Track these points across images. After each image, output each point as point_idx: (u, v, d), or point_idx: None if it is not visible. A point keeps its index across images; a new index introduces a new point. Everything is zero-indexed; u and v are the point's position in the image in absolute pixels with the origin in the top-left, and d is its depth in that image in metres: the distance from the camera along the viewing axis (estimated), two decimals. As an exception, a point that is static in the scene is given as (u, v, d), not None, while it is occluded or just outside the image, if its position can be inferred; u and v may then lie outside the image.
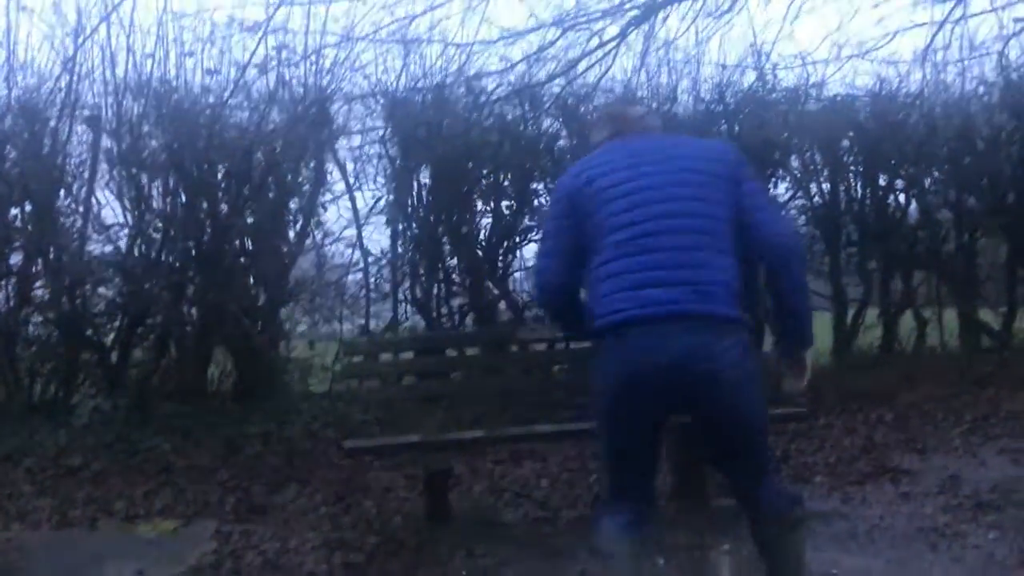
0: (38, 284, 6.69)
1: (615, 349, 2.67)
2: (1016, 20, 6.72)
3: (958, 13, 6.17)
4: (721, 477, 3.00)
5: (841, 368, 7.64)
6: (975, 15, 6.44)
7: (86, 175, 6.70)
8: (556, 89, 7.00)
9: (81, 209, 6.68)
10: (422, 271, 7.46)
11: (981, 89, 8.22)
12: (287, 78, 6.89)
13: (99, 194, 6.73)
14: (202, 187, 6.60)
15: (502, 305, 7.60)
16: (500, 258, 7.58)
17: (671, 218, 2.71)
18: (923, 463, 5.07)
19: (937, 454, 5.24)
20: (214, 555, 3.99)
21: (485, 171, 7.36)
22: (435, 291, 7.62)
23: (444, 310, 7.66)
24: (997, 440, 5.47)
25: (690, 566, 3.68)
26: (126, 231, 6.74)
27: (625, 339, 2.65)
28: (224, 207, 6.73)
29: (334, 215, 7.86)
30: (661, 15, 5.47)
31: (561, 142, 7.42)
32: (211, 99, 6.68)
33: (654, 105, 7.57)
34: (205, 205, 6.67)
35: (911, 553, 3.72)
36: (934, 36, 6.49)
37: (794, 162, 8.08)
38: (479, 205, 7.57)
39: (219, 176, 6.76)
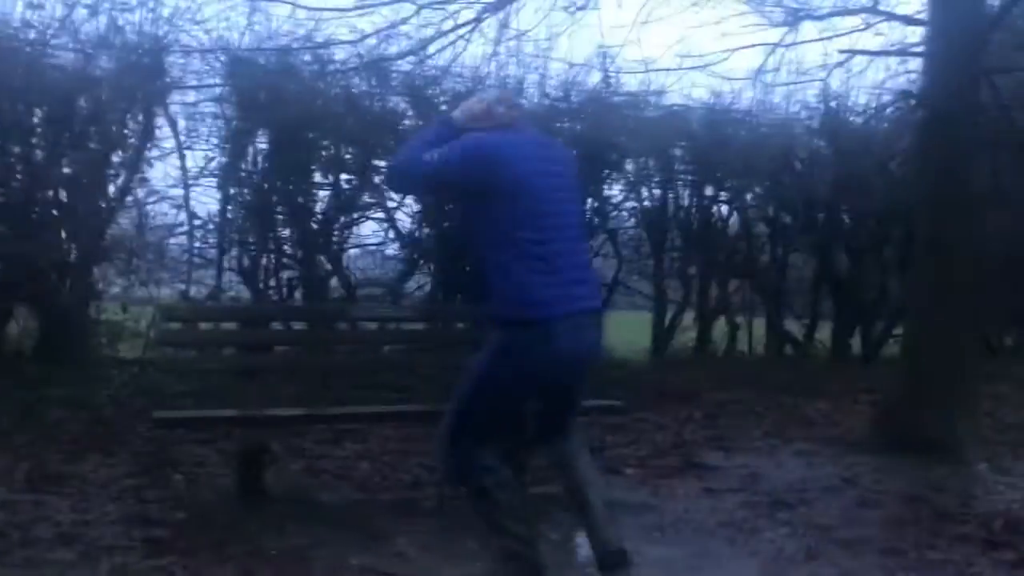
0: None
1: (542, 336, 3.00)
2: (840, 51, 7.20)
3: (789, 39, 6.53)
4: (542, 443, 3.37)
5: (657, 366, 7.98)
6: (804, 42, 6.85)
7: None
8: (406, 67, 6.90)
9: None
10: (252, 239, 7.21)
11: (803, 113, 8.77)
12: (120, 22, 6.48)
13: None
14: (16, 130, 6.11)
15: (333, 281, 7.46)
16: (336, 233, 7.44)
17: (578, 226, 3.21)
18: (727, 460, 5.35)
19: (740, 453, 5.55)
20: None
21: (327, 142, 7.19)
22: (264, 262, 7.39)
23: (272, 282, 7.45)
24: (793, 442, 5.85)
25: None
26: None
27: (554, 328, 3.00)
28: (39, 153, 6.27)
29: (161, 172, 7.48)
30: (516, 4, 5.50)
31: (407, 121, 7.34)
32: (32, 35, 6.18)
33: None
34: (17, 149, 6.18)
35: (711, 546, 3.91)
36: (767, 58, 6.87)
37: (628, 165, 8.33)
38: (318, 177, 7.39)
39: (36, 120, 6.28)
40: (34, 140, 6.28)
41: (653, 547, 3.85)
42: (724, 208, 8.85)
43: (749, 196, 8.90)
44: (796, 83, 8.13)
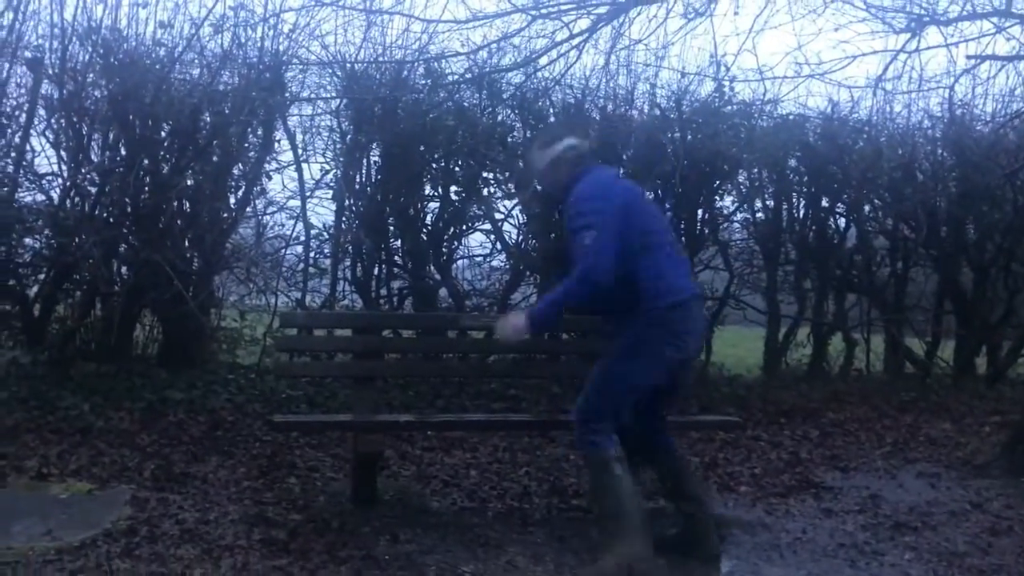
0: (-40, 229, 6.41)
1: (680, 317, 3.63)
2: (968, 57, 6.87)
3: (912, 45, 6.25)
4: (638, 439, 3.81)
5: (770, 382, 7.77)
6: (929, 48, 6.56)
7: (22, 120, 6.43)
8: (517, 80, 6.93)
9: (14, 155, 6.40)
10: (364, 250, 7.34)
11: (926, 122, 8.43)
12: (243, 39, 6.70)
13: (34, 141, 6.48)
14: (144, 143, 6.37)
15: (442, 291, 7.53)
16: (445, 244, 7.51)
17: None
18: (845, 480, 5.16)
19: (859, 473, 5.35)
20: (129, 521, 3.85)
21: (437, 155, 7.28)
22: (376, 271, 7.52)
23: (383, 291, 7.58)
24: (915, 464, 5.62)
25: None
26: (60, 181, 6.50)
27: (688, 310, 3.67)
28: (165, 166, 6.52)
29: (279, 185, 7.71)
30: (633, 12, 5.41)
31: (515, 134, 7.37)
32: (162, 53, 6.46)
33: (610, 107, 7.59)
34: (146, 162, 6.44)
35: (831, 568, 3.77)
36: (888, 65, 6.59)
37: (741, 176, 8.16)
38: (428, 189, 7.49)
39: (163, 134, 6.54)
40: (161, 153, 6.53)
41: (770, 567, 3.74)
42: (841, 220, 8.57)
43: (867, 208, 8.60)
44: (919, 91, 7.81)
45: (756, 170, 8.11)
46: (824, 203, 8.40)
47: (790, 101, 8.13)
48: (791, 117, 7.93)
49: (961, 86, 8.20)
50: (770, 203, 8.32)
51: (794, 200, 8.39)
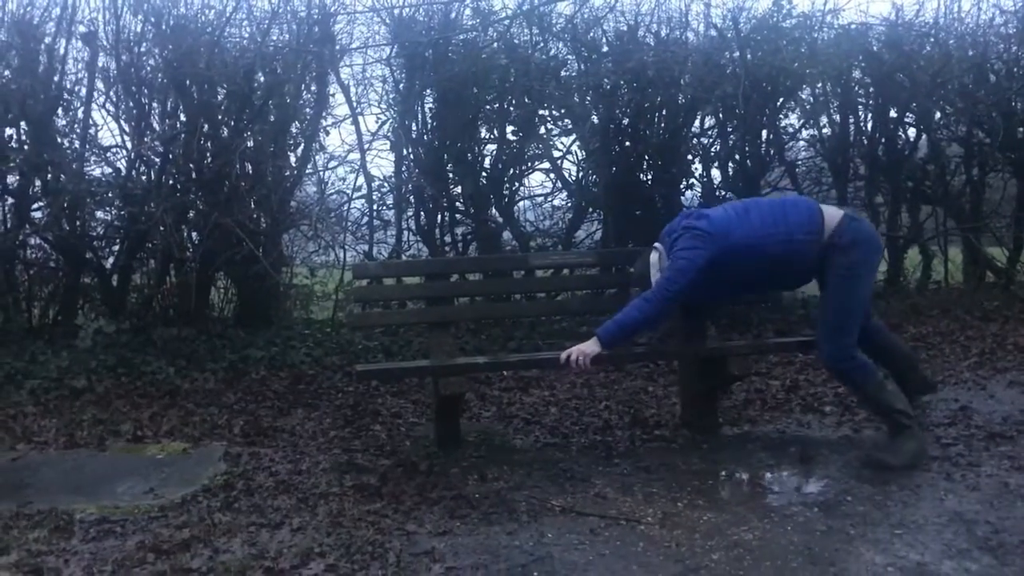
0: (36, 206, 6.57)
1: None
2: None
3: (981, -62, 5.95)
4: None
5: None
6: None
7: (83, 94, 6.52)
8: (568, 11, 6.80)
9: (79, 129, 6.52)
10: (426, 197, 7.33)
11: (998, 19, 8.05)
12: (289, -6, 6.67)
13: (96, 115, 6.58)
14: (203, 108, 6.43)
15: (506, 234, 7.51)
16: (505, 186, 7.47)
17: None
18: (933, 394, 5.04)
19: (946, 386, 5.22)
20: (225, 476, 3.97)
21: (491, 96, 7.19)
22: (439, 219, 7.52)
23: (447, 238, 7.58)
24: (1005, 373, 5.46)
25: (701, 488, 3.68)
26: (124, 153, 6.60)
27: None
28: (225, 129, 6.57)
29: (337, 140, 7.73)
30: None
31: (568, 68, 7.24)
32: (212, 16, 6.48)
33: (664, 32, 7.41)
34: (206, 127, 6.50)
35: (925, 481, 3.70)
36: (955, -38, 6.30)
37: (804, 92, 7.91)
38: (484, 132, 7.43)
39: (220, 97, 6.58)
40: (219, 117, 6.58)
41: (861, 484, 3.69)
42: (911, 130, 8.27)
43: (938, 115, 8.27)
44: (989, -14, 7.43)
45: (820, 85, 7.85)
46: (892, 114, 8.11)
47: (852, 9, 7.87)
48: (853, 26, 7.63)
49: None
50: (836, 118, 8.07)
51: (861, 113, 8.11)
